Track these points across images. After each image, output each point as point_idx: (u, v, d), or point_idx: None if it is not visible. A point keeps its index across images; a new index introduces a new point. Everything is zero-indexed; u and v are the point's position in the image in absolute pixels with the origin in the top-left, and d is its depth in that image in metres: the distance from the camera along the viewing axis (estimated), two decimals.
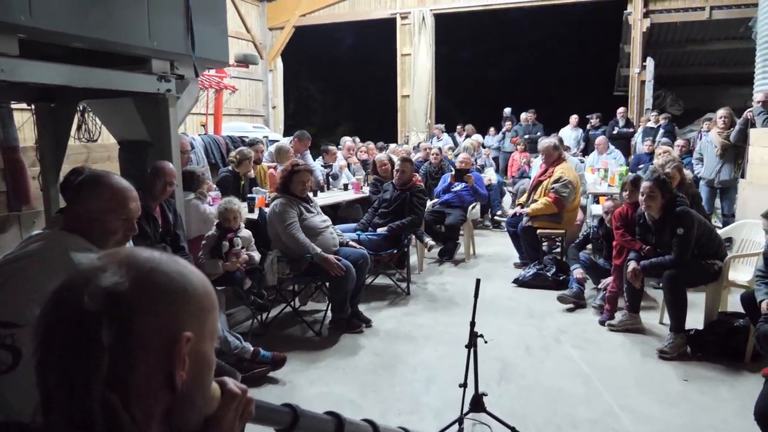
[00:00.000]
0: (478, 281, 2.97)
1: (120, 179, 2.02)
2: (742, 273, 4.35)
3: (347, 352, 3.98)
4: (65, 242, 1.80)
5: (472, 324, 2.90)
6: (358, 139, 9.86)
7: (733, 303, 4.33)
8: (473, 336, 2.90)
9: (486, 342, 2.91)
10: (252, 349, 3.54)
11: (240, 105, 12.98)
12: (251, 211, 4.93)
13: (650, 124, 10.35)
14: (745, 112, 6.51)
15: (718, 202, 7.13)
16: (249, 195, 5.06)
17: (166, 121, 3.88)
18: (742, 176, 6.57)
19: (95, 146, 5.51)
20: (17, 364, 1.55)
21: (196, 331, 0.77)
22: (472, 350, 2.91)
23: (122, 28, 3.35)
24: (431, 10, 12.94)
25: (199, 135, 7.42)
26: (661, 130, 9.95)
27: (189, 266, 0.81)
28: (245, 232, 4.16)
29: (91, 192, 1.88)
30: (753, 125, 6.26)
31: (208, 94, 8.37)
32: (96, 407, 0.70)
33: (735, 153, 6.72)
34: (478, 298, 2.95)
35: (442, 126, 12.77)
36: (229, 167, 5.87)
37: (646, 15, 11.52)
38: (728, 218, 6.77)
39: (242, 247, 4.04)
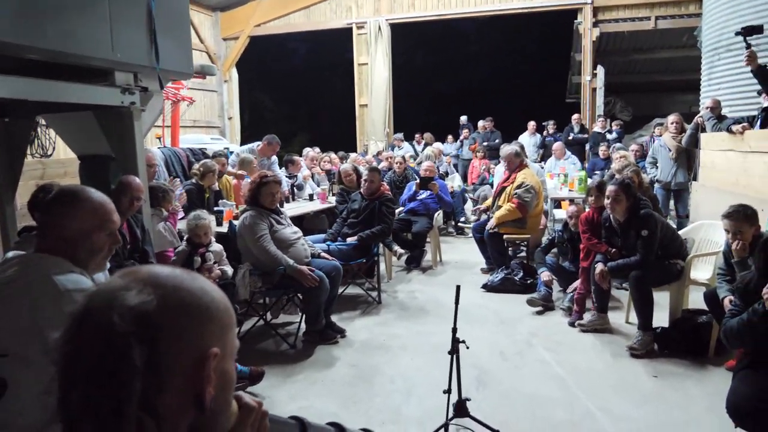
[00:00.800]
0: (458, 288, 2.99)
1: (96, 192, 1.94)
2: (702, 272, 4.52)
3: (324, 365, 3.94)
4: (45, 265, 1.72)
5: (454, 330, 2.91)
6: (318, 149, 9.80)
7: (694, 300, 4.49)
8: (455, 342, 2.90)
9: (468, 348, 2.92)
10: None
11: (195, 117, 12.77)
12: (219, 224, 4.83)
13: (597, 129, 10.68)
14: (696, 117, 6.78)
15: (671, 204, 7.39)
16: (216, 208, 4.96)
17: (130, 134, 3.77)
18: (694, 179, 6.83)
19: (50, 161, 5.30)
20: (2, 395, 1.46)
21: (221, 348, 0.77)
22: (454, 356, 2.91)
23: (83, 39, 3.24)
24: (387, 19, 13.04)
25: (158, 148, 7.24)
26: (615, 135, 10.27)
27: (209, 283, 0.80)
28: (216, 247, 4.09)
29: (72, 210, 1.80)
30: (704, 130, 6.52)
31: (164, 106, 8.19)
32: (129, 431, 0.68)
33: (687, 156, 6.98)
34: (457, 305, 2.96)
35: (400, 135, 12.83)
36: (193, 180, 5.75)
37: (595, 24, 11.91)
38: (683, 219, 7.02)
39: (214, 262, 3.96)
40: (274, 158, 7.24)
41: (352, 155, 10.70)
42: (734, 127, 5.47)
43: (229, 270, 4.08)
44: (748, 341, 2.68)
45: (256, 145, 7.14)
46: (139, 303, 0.71)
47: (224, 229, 4.66)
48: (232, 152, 7.38)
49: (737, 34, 5.19)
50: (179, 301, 0.74)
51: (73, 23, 3.18)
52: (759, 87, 6.17)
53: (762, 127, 5.42)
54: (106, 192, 3.56)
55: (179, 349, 0.72)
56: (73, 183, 4.14)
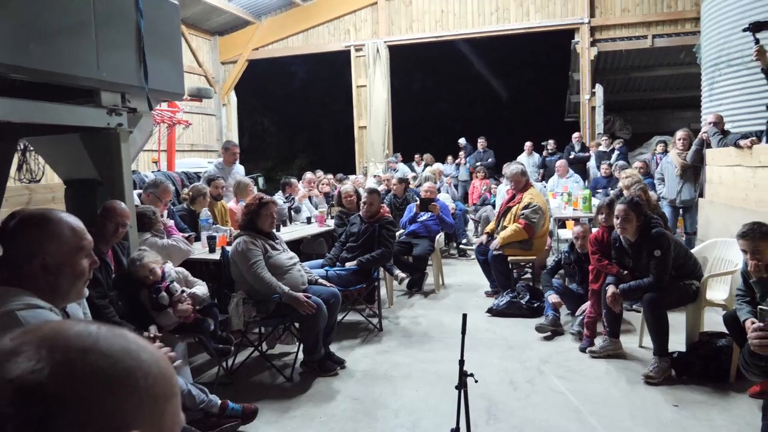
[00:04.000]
0: (464, 317, 2.78)
1: (64, 212, 1.77)
2: (718, 291, 4.32)
3: (323, 398, 3.71)
4: (7, 300, 1.54)
5: (461, 363, 2.69)
6: (321, 172, 9.63)
7: (710, 322, 4.29)
8: (463, 376, 2.69)
9: (476, 381, 2.71)
10: (219, 402, 3.23)
11: (193, 140, 12.69)
12: (212, 251, 4.64)
13: (602, 148, 10.57)
14: (700, 133, 6.65)
15: (679, 221, 7.22)
16: (209, 234, 4.77)
17: (117, 157, 3.61)
18: (701, 195, 6.68)
19: (38, 187, 5.15)
20: None
21: (150, 428, 0.57)
22: (462, 391, 2.70)
23: (67, 58, 3.10)
24: (385, 41, 13.03)
25: (152, 172, 7.08)
26: (617, 153, 10.16)
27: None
28: (173, 273, 3.68)
29: (46, 234, 1.62)
30: (709, 146, 6.38)
31: (160, 129, 8.07)
32: None
33: (694, 173, 6.83)
34: (464, 335, 2.76)
35: (394, 157, 12.58)
36: (184, 204, 5.57)
37: (593, 44, 11.90)
38: (690, 236, 6.85)
39: (182, 291, 3.60)
40: (238, 166, 6.99)
41: (352, 177, 10.58)
42: (742, 142, 5.32)
43: (201, 289, 3.71)
44: (762, 375, 2.49)
45: (218, 161, 6.95)
46: (23, 373, 0.52)
47: (217, 255, 4.46)
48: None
49: (745, 30, 5.09)
50: (86, 368, 0.55)
51: (58, 41, 3.04)
52: (765, 101, 6.07)
53: None
54: (92, 217, 3.42)
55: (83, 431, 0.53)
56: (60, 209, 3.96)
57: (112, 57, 3.38)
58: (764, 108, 5.98)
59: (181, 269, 3.87)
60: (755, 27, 4.97)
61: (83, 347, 0.56)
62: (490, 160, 12.19)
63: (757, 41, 4.91)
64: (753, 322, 3.11)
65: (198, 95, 8.71)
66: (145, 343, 0.61)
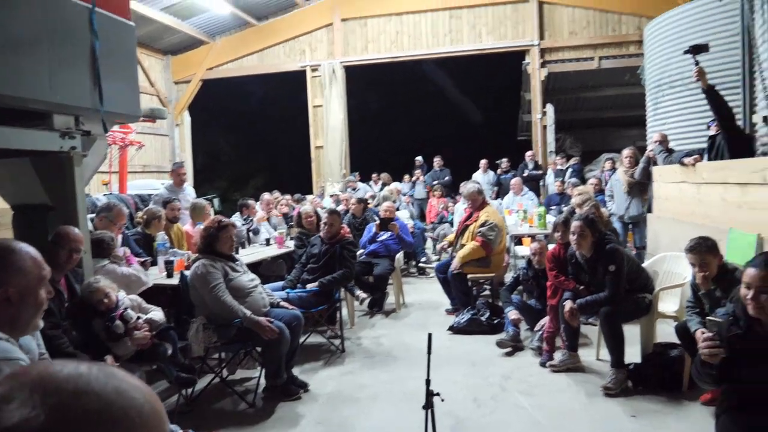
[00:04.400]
0: (429, 336, 2.80)
1: (23, 243, 1.72)
2: (669, 304, 4.48)
3: (287, 424, 3.64)
4: None
5: (428, 382, 2.71)
6: (278, 193, 9.53)
7: (663, 334, 4.44)
8: (429, 395, 2.70)
9: (443, 401, 2.72)
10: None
11: (145, 161, 12.42)
12: (170, 276, 4.53)
13: (559, 167, 10.86)
14: (647, 151, 6.93)
15: (628, 236, 7.47)
16: (166, 258, 4.66)
17: (70, 182, 3.51)
18: (649, 210, 6.94)
19: None
20: None
21: None
22: (429, 411, 2.71)
23: (18, 79, 3.01)
24: (341, 62, 13.11)
25: (104, 195, 6.89)
26: (571, 170, 10.44)
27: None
28: (127, 300, 3.59)
29: (11, 266, 1.57)
30: (655, 163, 6.65)
31: (111, 151, 7.87)
32: None
33: (641, 189, 7.10)
34: (430, 355, 2.77)
35: (353, 176, 12.62)
36: (138, 228, 5.44)
37: (543, 65, 12.29)
38: (640, 250, 7.09)
39: (137, 318, 3.51)
40: (189, 188, 6.92)
41: (309, 197, 10.54)
42: (686, 160, 5.57)
43: (157, 314, 3.63)
44: (710, 383, 2.59)
45: (168, 184, 6.86)
46: (18, 422, 0.52)
47: (175, 280, 4.36)
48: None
49: (686, 52, 5.33)
50: (82, 411, 0.54)
51: (8, 62, 2.95)
52: (705, 121, 6.39)
53: (709, 153, 5.53)
54: (43, 244, 3.30)
55: None
56: (5, 236, 3.81)
57: (66, 78, 3.30)
58: (705, 127, 6.29)
59: (134, 296, 3.76)
60: (694, 50, 5.23)
61: (75, 390, 0.55)
62: (446, 178, 12.33)
63: (696, 63, 5.15)
64: (703, 333, 3.24)
65: (151, 116, 8.55)
66: (135, 380, 0.61)
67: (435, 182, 11.84)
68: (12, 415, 0.52)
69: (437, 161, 12.74)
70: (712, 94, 5.16)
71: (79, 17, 3.43)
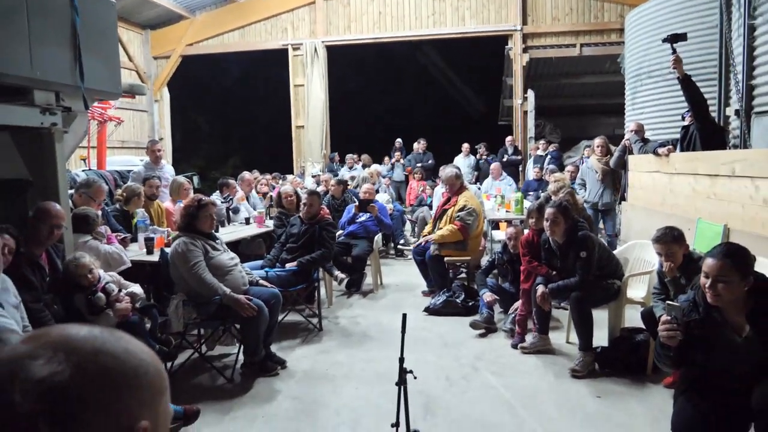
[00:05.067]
0: (404, 316, 2.88)
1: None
2: (637, 290, 4.64)
3: (264, 399, 3.74)
4: None
5: (401, 360, 2.81)
6: (257, 172, 9.52)
7: (631, 319, 4.60)
8: (403, 373, 2.80)
9: (415, 378, 2.82)
10: None
11: (124, 137, 12.28)
12: (150, 252, 4.56)
13: (539, 152, 10.98)
14: (623, 140, 7.06)
15: (601, 223, 7.64)
16: (147, 235, 4.68)
17: (51, 157, 3.53)
18: (622, 199, 7.10)
19: None
20: None
21: (152, 419, 0.65)
22: (401, 388, 2.81)
23: None
24: (323, 41, 13.03)
25: (83, 170, 6.84)
26: (550, 156, 10.56)
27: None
28: (107, 276, 3.68)
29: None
30: (631, 152, 6.80)
31: (90, 126, 7.78)
32: None
33: (613, 177, 7.26)
34: (404, 334, 2.87)
35: (334, 155, 12.65)
36: (117, 205, 5.42)
37: (525, 50, 12.36)
38: (612, 238, 7.27)
39: (119, 290, 3.62)
40: (164, 163, 6.92)
41: (290, 177, 10.54)
42: (660, 150, 5.71)
43: (137, 289, 3.73)
44: (670, 366, 2.71)
45: (146, 161, 6.84)
46: (48, 375, 0.59)
47: (155, 257, 4.40)
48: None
49: (664, 41, 5.40)
50: (100, 369, 0.62)
51: None
52: (681, 112, 6.53)
53: (682, 143, 5.67)
54: (23, 219, 3.31)
55: (102, 426, 0.60)
56: None
57: (47, 54, 3.29)
58: (680, 117, 6.44)
59: (113, 273, 3.82)
60: (672, 38, 5.32)
61: (93, 350, 0.63)
62: (429, 161, 12.37)
63: (674, 51, 5.25)
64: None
65: (130, 91, 8.43)
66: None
67: (418, 165, 11.89)
68: (41, 369, 0.58)
69: (421, 144, 12.74)
70: (687, 84, 5.26)
71: None
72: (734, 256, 2.37)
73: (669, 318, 2.48)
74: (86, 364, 0.61)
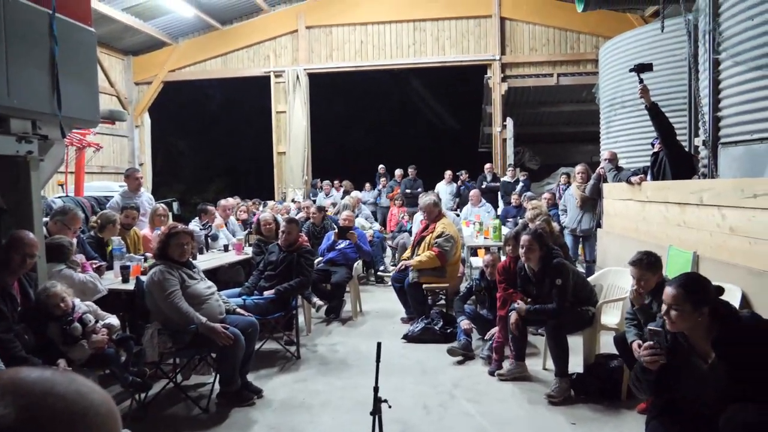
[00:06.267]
0: (378, 345, 2.90)
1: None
2: (611, 317, 4.70)
3: (240, 429, 3.70)
4: None
5: (376, 389, 2.81)
6: (238, 198, 9.48)
7: (605, 345, 4.65)
8: (377, 401, 2.81)
9: (390, 407, 2.83)
10: None
11: (103, 162, 12.20)
12: (126, 281, 4.52)
13: (506, 179, 11.13)
14: (598, 168, 7.21)
15: (579, 249, 7.75)
16: (122, 263, 4.65)
17: (26, 185, 3.51)
18: (599, 226, 7.22)
19: None
20: None
21: None
22: (376, 417, 2.81)
23: None
24: (305, 69, 13.17)
25: (59, 197, 6.78)
26: (521, 185, 10.72)
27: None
28: (84, 306, 3.64)
29: None
30: (605, 180, 6.94)
31: (68, 151, 7.74)
32: None
33: (592, 204, 7.39)
34: (378, 363, 2.88)
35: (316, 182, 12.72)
36: (91, 233, 5.36)
37: (503, 79, 12.62)
38: (590, 264, 7.37)
39: (96, 321, 3.58)
40: (145, 194, 6.86)
41: (270, 203, 10.54)
42: (633, 179, 5.84)
43: (114, 321, 3.70)
44: (646, 391, 2.75)
45: (123, 190, 6.80)
46: None
47: (131, 286, 4.36)
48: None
49: (631, 71, 5.57)
50: (48, 411, 0.62)
51: None
52: (651, 139, 6.69)
53: (652, 169, 5.80)
54: None
55: None
56: None
57: (24, 82, 3.31)
58: (650, 145, 6.59)
59: (90, 303, 3.78)
60: (639, 68, 5.49)
61: (43, 392, 0.63)
62: (419, 189, 12.41)
63: (641, 81, 5.41)
64: (639, 345, 3.44)
65: (110, 117, 8.39)
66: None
67: (408, 190, 11.96)
68: None
69: (412, 172, 12.71)
70: (654, 112, 5.41)
71: (38, 22, 3.45)
72: (688, 286, 2.44)
73: (652, 342, 2.52)
74: (34, 407, 0.61)
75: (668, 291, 2.45)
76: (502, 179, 11.30)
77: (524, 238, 4.38)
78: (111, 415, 0.68)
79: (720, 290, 2.56)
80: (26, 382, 0.64)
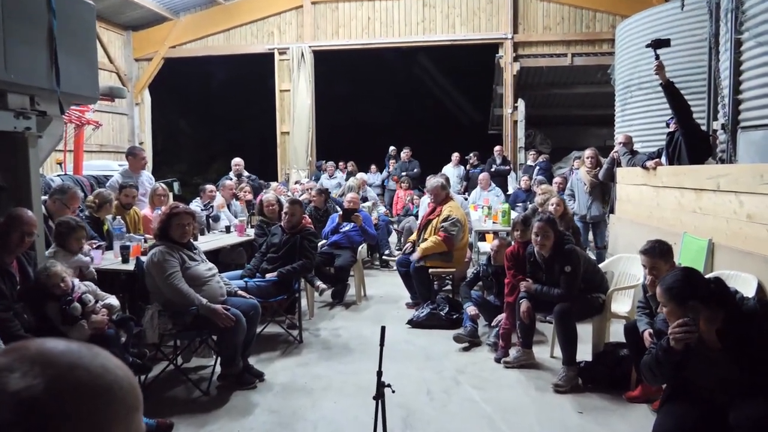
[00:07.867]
0: (383, 329, 2.81)
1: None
2: (621, 304, 4.61)
3: (240, 412, 3.64)
4: None
5: (379, 374, 2.73)
6: (245, 175, 9.20)
7: (616, 333, 4.56)
8: (380, 386, 2.73)
9: (393, 392, 2.75)
10: None
11: (102, 140, 12.05)
12: (126, 261, 4.44)
13: (529, 162, 10.94)
14: (612, 152, 7.05)
15: (590, 235, 7.61)
16: (122, 243, 4.56)
17: (24, 162, 3.43)
18: (611, 211, 7.07)
19: None
20: None
21: None
22: (379, 401, 2.73)
23: None
24: (310, 46, 12.93)
25: (58, 175, 6.68)
26: (538, 168, 10.52)
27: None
28: (83, 286, 3.58)
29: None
30: (619, 164, 6.78)
31: (67, 129, 7.63)
32: None
33: (602, 190, 7.24)
34: (382, 347, 2.80)
35: (322, 163, 12.59)
36: (86, 212, 5.26)
37: (515, 59, 12.32)
38: (600, 250, 7.24)
39: (96, 301, 3.53)
40: (145, 173, 6.71)
41: (273, 184, 10.40)
42: (648, 163, 5.69)
43: (114, 301, 3.64)
44: (660, 377, 2.71)
45: (123, 169, 6.66)
46: (23, 387, 0.61)
47: (131, 266, 4.28)
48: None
49: (647, 46, 5.42)
50: (75, 383, 0.63)
51: None
52: (667, 119, 6.53)
53: (667, 149, 5.65)
54: None
55: None
56: None
57: (21, 57, 3.20)
58: (665, 125, 6.42)
59: (89, 283, 3.72)
60: (656, 44, 5.32)
61: (69, 364, 0.64)
62: (415, 170, 12.26)
63: (657, 57, 5.25)
64: (650, 334, 3.35)
65: (110, 94, 8.24)
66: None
67: (403, 174, 11.81)
68: (17, 382, 0.60)
69: (406, 153, 12.56)
70: (670, 90, 5.26)
71: None
72: (671, 285, 2.51)
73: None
74: (61, 378, 0.63)
75: (657, 290, 2.56)
76: (524, 163, 11.05)
77: (538, 224, 4.26)
78: (133, 390, 0.70)
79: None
80: (54, 353, 0.65)
